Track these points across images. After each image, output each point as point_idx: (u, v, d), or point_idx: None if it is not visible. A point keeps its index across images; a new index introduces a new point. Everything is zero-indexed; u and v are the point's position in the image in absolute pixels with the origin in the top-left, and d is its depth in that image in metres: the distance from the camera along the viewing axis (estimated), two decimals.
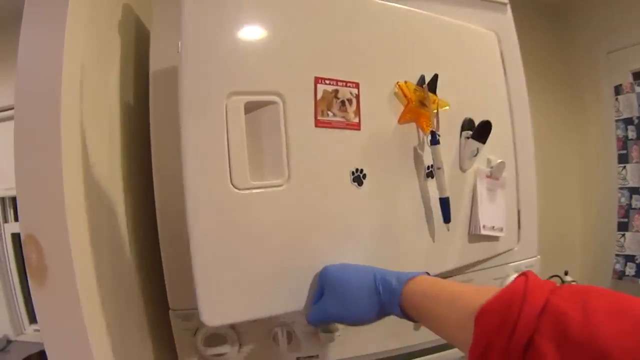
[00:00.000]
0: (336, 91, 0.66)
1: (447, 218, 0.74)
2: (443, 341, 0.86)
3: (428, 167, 0.74)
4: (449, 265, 0.78)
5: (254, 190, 0.60)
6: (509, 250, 0.89)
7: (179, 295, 0.75)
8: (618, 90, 1.76)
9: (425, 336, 0.81)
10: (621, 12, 1.72)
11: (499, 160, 0.83)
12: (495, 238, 0.85)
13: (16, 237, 1.80)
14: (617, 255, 1.73)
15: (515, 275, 0.88)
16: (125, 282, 0.79)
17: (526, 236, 0.92)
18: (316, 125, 0.64)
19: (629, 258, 1.70)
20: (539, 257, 0.94)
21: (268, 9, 0.62)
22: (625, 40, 1.73)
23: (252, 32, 0.61)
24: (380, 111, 0.70)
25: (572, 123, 1.71)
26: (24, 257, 0.63)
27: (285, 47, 0.63)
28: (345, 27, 0.68)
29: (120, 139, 0.82)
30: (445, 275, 0.79)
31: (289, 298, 0.63)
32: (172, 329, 0.76)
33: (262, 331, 0.76)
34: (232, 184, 0.59)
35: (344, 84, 0.66)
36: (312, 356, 0.78)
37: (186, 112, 0.57)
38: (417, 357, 0.88)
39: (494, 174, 0.84)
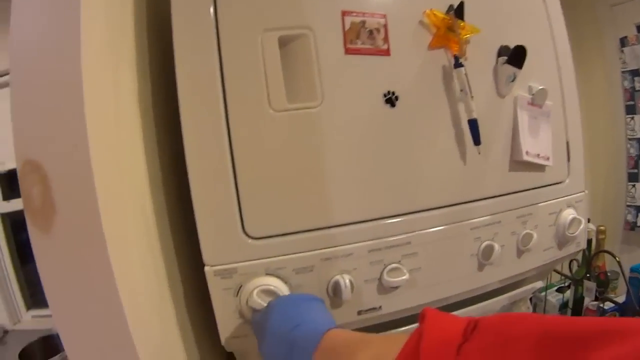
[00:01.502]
0: (363, 22, 0.69)
1: (476, 140, 0.73)
2: (510, 281, 0.83)
3: (460, 91, 0.74)
4: (489, 191, 0.77)
5: (290, 112, 0.65)
6: (559, 183, 0.85)
7: (215, 249, 0.64)
8: (623, 42, 1.71)
9: (490, 277, 0.78)
10: None
11: (540, 87, 0.81)
12: (542, 168, 0.82)
13: (7, 218, 1.65)
14: (628, 206, 1.69)
15: (569, 210, 0.85)
16: (155, 232, 0.68)
17: (575, 169, 0.87)
18: (346, 53, 0.68)
19: None
20: (586, 192, 0.88)
21: None
22: None
23: None
24: (410, 39, 0.72)
25: (577, 76, 1.68)
26: (22, 195, 0.48)
27: None
28: None
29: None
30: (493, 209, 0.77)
31: (318, 214, 0.66)
32: (209, 290, 0.64)
33: (317, 284, 0.67)
34: (270, 107, 0.64)
35: (371, 15, 0.69)
36: (375, 308, 0.70)
37: (227, 50, 0.63)
38: (486, 299, 0.84)
39: (536, 101, 0.81)
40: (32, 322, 1.61)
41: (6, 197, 1.66)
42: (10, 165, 1.58)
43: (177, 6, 0.63)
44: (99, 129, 0.51)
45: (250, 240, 0.64)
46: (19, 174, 0.47)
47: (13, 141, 0.46)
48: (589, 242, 1.25)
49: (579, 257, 1.22)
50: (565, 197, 0.85)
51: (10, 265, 1.64)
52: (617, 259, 1.06)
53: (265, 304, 0.62)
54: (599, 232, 1.21)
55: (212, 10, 0.63)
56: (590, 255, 1.15)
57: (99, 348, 0.54)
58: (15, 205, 1.63)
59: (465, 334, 0.35)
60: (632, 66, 1.70)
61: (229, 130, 0.63)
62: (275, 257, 0.65)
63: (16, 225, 1.66)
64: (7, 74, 1.49)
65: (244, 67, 0.64)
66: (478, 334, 0.35)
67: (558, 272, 1.23)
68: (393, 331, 0.75)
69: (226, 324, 0.66)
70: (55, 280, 0.50)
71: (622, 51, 1.73)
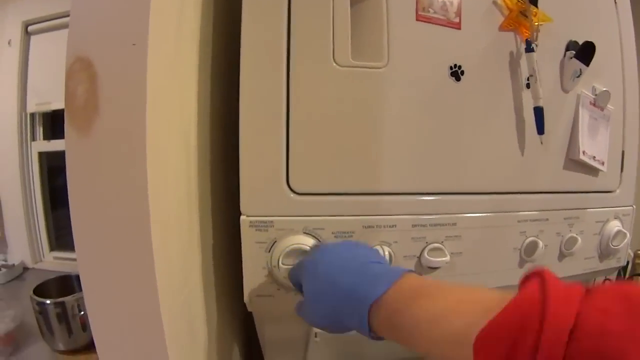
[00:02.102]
0: None
1: (540, 129, 0.70)
2: None
3: (528, 77, 0.71)
4: (540, 185, 0.74)
5: (354, 69, 0.62)
6: (609, 192, 0.82)
7: (255, 198, 0.62)
8: None
9: None
10: None
11: (604, 89, 0.78)
12: (595, 172, 0.79)
13: (43, 156, 1.66)
14: None
15: (615, 222, 0.81)
16: (195, 166, 0.66)
17: (627, 181, 0.84)
18: (417, 19, 0.65)
19: None
20: (634, 207, 0.85)
21: None
22: None
23: None
24: (481, 16, 0.69)
25: None
26: (65, 93, 0.45)
27: None
28: None
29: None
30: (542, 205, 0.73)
31: (367, 179, 0.64)
32: (242, 241, 0.62)
33: None
34: (335, 61, 0.62)
35: None
36: None
37: (297, 2, 0.61)
38: None
39: (598, 102, 0.79)
40: (52, 262, 1.62)
41: (47, 137, 1.67)
42: (55, 105, 1.59)
43: None
44: (159, 40, 0.49)
45: (292, 195, 0.62)
46: (66, 72, 0.44)
47: (68, 36, 0.44)
48: (625, 264, 1.20)
49: (613, 278, 1.17)
50: (613, 208, 0.82)
51: (41, 205, 1.65)
52: None
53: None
54: (636, 256, 1.16)
55: None
56: (625, 277, 1.11)
57: (118, 279, 0.51)
58: (55, 145, 1.64)
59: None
60: None
61: (289, 77, 0.61)
62: (315, 216, 0.62)
63: (53, 169, 1.67)
64: (60, 17, 1.51)
65: (313, 17, 0.62)
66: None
67: None
68: None
69: (253, 280, 0.63)
70: (84, 185, 0.47)
71: None
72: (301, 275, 0.56)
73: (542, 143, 0.71)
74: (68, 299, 0.99)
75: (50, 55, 1.51)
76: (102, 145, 0.46)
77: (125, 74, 0.46)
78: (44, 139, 1.67)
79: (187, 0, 0.62)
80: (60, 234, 1.68)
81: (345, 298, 0.46)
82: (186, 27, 0.62)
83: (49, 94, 1.56)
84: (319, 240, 0.62)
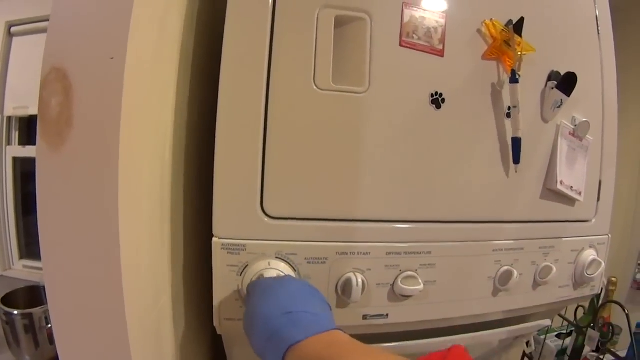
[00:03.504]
0: (423, 18, 0.66)
1: (516, 159, 0.71)
2: (524, 313, 0.80)
3: (509, 107, 0.71)
4: (517, 215, 0.74)
5: (335, 93, 0.62)
6: (585, 222, 0.82)
7: (228, 220, 0.60)
8: None
9: (502, 304, 0.75)
10: None
11: (584, 120, 0.79)
12: (571, 202, 0.79)
13: (17, 162, 1.61)
14: (639, 264, 1.68)
15: (590, 251, 0.82)
16: (169, 186, 0.64)
17: (603, 211, 0.84)
18: (400, 45, 0.65)
19: None
20: (610, 236, 0.85)
21: None
22: None
23: None
24: (465, 44, 0.69)
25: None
26: (39, 103, 0.44)
27: None
28: None
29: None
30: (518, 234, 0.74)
31: (342, 205, 0.63)
32: (213, 263, 0.60)
33: (327, 278, 0.63)
34: (315, 84, 0.61)
35: (432, 13, 0.67)
36: (381, 315, 0.66)
37: (281, 18, 0.60)
38: (486, 329, 0.80)
39: (578, 132, 0.79)
40: (22, 271, 1.57)
41: (23, 143, 1.63)
42: (33, 110, 1.55)
43: None
44: (138, 53, 0.48)
45: (266, 219, 0.60)
46: (41, 81, 0.43)
47: (45, 45, 0.43)
48: (599, 291, 1.21)
49: (586, 304, 1.18)
50: (589, 237, 0.82)
51: (12, 211, 1.60)
52: (626, 311, 1.02)
53: None
54: (609, 282, 1.17)
55: None
56: (599, 304, 1.12)
57: (85, 297, 0.50)
58: (30, 151, 1.60)
59: None
60: None
61: (267, 99, 0.60)
62: (289, 241, 0.61)
63: (26, 175, 1.63)
64: (44, 20, 1.48)
65: (295, 38, 0.61)
66: None
67: (562, 317, 1.20)
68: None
69: (223, 303, 0.62)
70: (53, 201, 0.46)
71: None
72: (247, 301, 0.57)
73: (516, 172, 0.71)
74: (36, 311, 0.97)
75: (32, 59, 1.47)
76: (73, 161, 0.46)
77: (101, 88, 0.45)
78: (20, 144, 1.62)
79: (168, 16, 0.61)
80: (31, 242, 1.62)
81: (271, 337, 0.48)
82: (167, 43, 0.61)
83: (27, 98, 1.51)
84: (292, 266, 0.61)
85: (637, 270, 1.69)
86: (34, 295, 1.09)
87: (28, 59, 1.51)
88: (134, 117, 0.49)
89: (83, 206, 0.47)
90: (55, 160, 0.46)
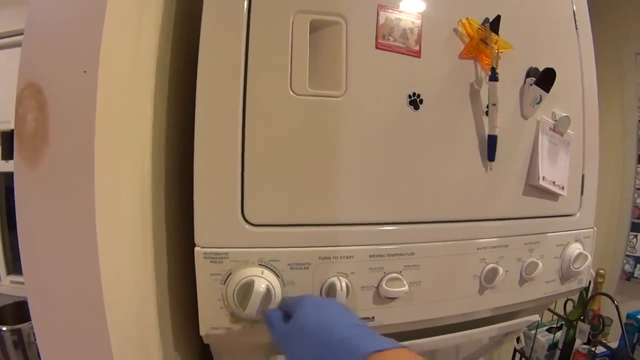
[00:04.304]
0: (399, 19, 0.67)
1: (490, 156, 0.71)
2: (512, 309, 0.80)
3: (487, 105, 0.72)
4: (500, 212, 0.74)
5: (311, 98, 0.62)
6: (569, 216, 0.83)
7: (209, 229, 0.60)
8: None
9: (489, 302, 0.75)
10: None
11: (564, 114, 0.79)
12: (554, 197, 0.80)
13: (1, 176, 1.60)
14: (627, 255, 1.69)
15: (576, 245, 0.82)
16: (149, 197, 0.64)
17: (587, 204, 0.84)
18: (376, 47, 0.65)
19: (639, 260, 1.66)
20: (595, 229, 0.86)
21: None
22: None
23: None
24: (441, 44, 0.69)
25: None
26: (15, 119, 0.44)
27: None
28: None
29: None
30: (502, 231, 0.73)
31: (323, 209, 0.63)
32: (196, 273, 0.60)
33: (311, 282, 0.62)
34: (292, 90, 0.61)
35: (407, 14, 0.67)
36: (367, 318, 0.66)
37: (256, 24, 0.60)
38: (476, 327, 0.80)
39: (558, 127, 0.79)
40: (9, 287, 1.56)
41: (5, 157, 1.61)
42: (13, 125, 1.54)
43: None
44: (113, 66, 0.48)
45: (247, 226, 0.60)
46: (16, 97, 0.43)
47: (19, 61, 0.43)
48: (587, 284, 1.22)
49: (575, 298, 1.19)
50: (574, 231, 0.83)
51: None
52: (615, 303, 1.03)
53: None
54: (598, 275, 1.18)
55: None
56: (588, 297, 1.12)
57: (67, 312, 0.50)
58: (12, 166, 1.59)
59: None
60: None
61: (245, 106, 0.60)
62: (271, 248, 0.61)
63: (10, 189, 1.62)
64: (13, 35, 1.47)
65: (271, 44, 0.61)
66: None
67: (552, 312, 1.20)
68: None
69: (209, 313, 0.61)
70: (31, 218, 0.46)
71: None
72: (277, 318, 0.56)
73: (491, 169, 0.71)
74: (25, 326, 0.96)
75: (12, 73, 1.46)
76: (49, 176, 0.46)
77: (75, 102, 0.45)
78: (2, 158, 1.60)
79: (144, 28, 0.60)
80: (18, 257, 1.62)
81: (342, 343, 0.47)
82: (143, 54, 0.61)
83: (8, 113, 1.51)
84: (275, 273, 0.61)
85: (625, 261, 1.70)
86: (22, 310, 1.09)
87: (8, 73, 1.50)
88: (109, 130, 0.49)
89: (61, 221, 0.47)
90: (33, 176, 0.46)
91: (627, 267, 1.68)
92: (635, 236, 1.69)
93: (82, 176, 0.46)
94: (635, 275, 1.65)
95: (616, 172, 1.82)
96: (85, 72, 0.44)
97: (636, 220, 1.71)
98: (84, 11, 0.45)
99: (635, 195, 1.74)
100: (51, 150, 0.45)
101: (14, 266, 1.62)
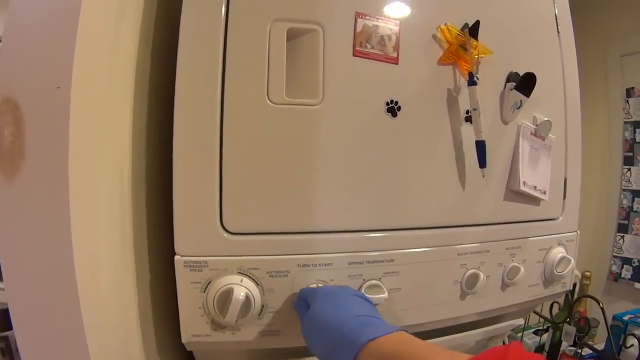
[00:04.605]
0: (377, 27, 0.67)
1: (482, 162, 0.71)
2: (490, 315, 0.80)
3: (467, 111, 0.72)
4: (481, 218, 0.74)
5: (289, 107, 0.62)
6: (552, 220, 0.83)
7: (189, 238, 0.60)
8: (629, 93, 1.74)
9: (471, 307, 0.76)
10: (636, 15, 1.71)
11: (545, 119, 0.79)
12: (536, 201, 0.80)
13: None
14: (614, 257, 1.71)
15: (559, 249, 0.82)
16: (130, 205, 0.64)
17: (570, 208, 0.85)
18: (354, 55, 0.65)
19: (627, 261, 1.66)
20: (578, 232, 0.86)
21: None
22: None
23: None
24: (420, 51, 0.70)
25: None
26: None
27: None
28: None
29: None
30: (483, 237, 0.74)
31: (302, 218, 0.63)
32: (177, 281, 0.60)
33: (291, 290, 0.63)
34: (269, 99, 0.62)
35: (385, 21, 0.67)
36: None
37: (233, 33, 0.61)
38: (460, 332, 0.80)
39: (539, 132, 0.79)
40: None
41: None
42: None
43: None
44: (87, 80, 0.49)
45: (226, 235, 0.60)
46: None
47: None
48: (573, 287, 1.23)
49: (561, 300, 1.19)
50: (557, 235, 0.83)
51: None
52: (601, 305, 1.04)
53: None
54: (584, 277, 1.19)
55: None
56: (574, 300, 1.13)
57: (47, 321, 0.51)
58: None
59: None
60: (636, 118, 1.72)
61: (222, 115, 0.60)
62: (250, 256, 0.61)
63: None
64: None
65: (248, 53, 0.61)
66: None
67: (538, 314, 1.21)
68: None
69: (190, 320, 0.62)
70: (11, 232, 0.47)
71: (628, 102, 1.75)
72: (304, 309, 0.60)
73: (484, 176, 0.71)
74: (12, 334, 0.96)
75: None
76: (26, 190, 0.47)
77: (50, 118, 0.46)
78: None
79: (121, 40, 0.60)
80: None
81: (343, 337, 0.51)
82: (121, 60, 0.61)
83: None
84: (254, 281, 0.61)
85: (612, 262, 1.71)
86: (7, 318, 1.08)
87: None
88: (85, 142, 0.50)
89: (38, 232, 0.48)
90: (11, 189, 0.47)
91: (615, 268, 1.69)
92: (622, 237, 1.70)
93: (57, 189, 0.47)
94: (622, 276, 1.66)
95: (602, 173, 1.84)
96: (58, 88, 0.44)
97: (623, 222, 1.72)
98: (56, 26, 0.46)
99: (622, 196, 1.75)
100: (28, 164, 0.46)
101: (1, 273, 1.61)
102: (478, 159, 0.71)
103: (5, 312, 1.13)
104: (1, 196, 0.47)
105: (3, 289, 1.33)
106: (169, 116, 0.60)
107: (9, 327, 0.99)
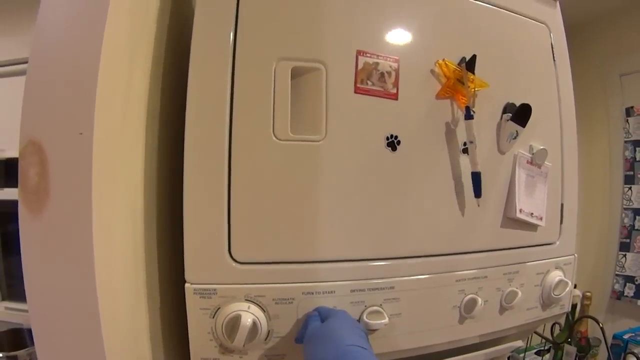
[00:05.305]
0: (377, 64, 0.70)
1: (477, 192, 0.74)
2: (490, 337, 0.82)
3: (464, 143, 0.75)
4: (478, 245, 0.77)
5: (293, 142, 0.65)
6: (549, 244, 0.86)
7: (199, 267, 0.63)
8: (629, 112, 1.77)
9: (470, 331, 0.78)
10: (636, 35, 1.74)
11: (541, 147, 0.82)
12: (533, 227, 0.83)
13: None
14: (617, 275, 1.71)
15: (556, 272, 0.85)
16: (142, 239, 0.67)
17: (567, 232, 0.87)
18: (355, 92, 0.69)
19: (629, 279, 1.67)
20: (576, 255, 0.89)
21: None
22: (638, 63, 1.75)
23: (303, 6, 0.68)
24: (418, 85, 0.73)
25: (580, 141, 1.71)
26: (19, 173, 0.49)
27: (332, 21, 0.69)
28: (392, 8, 0.73)
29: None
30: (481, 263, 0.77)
31: (306, 248, 0.66)
32: (187, 307, 0.63)
33: (295, 316, 0.65)
34: (274, 135, 0.65)
35: (385, 58, 0.71)
36: None
37: (240, 72, 0.64)
38: (462, 354, 0.82)
39: (535, 160, 0.82)
40: (4, 313, 1.57)
41: (1, 185, 1.63)
42: (10, 153, 1.55)
43: (198, 24, 0.64)
44: (106, 125, 0.53)
45: (234, 264, 0.64)
46: (19, 152, 0.48)
47: (20, 118, 0.47)
48: (574, 307, 1.24)
49: (562, 321, 1.21)
50: (554, 259, 0.86)
51: None
52: (600, 324, 1.05)
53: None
54: (584, 297, 1.20)
55: (232, 31, 0.64)
56: (574, 320, 1.15)
57: (68, 344, 0.53)
58: (8, 194, 1.60)
59: None
60: (636, 136, 1.74)
61: (230, 151, 0.63)
62: (256, 284, 0.64)
63: (6, 215, 1.63)
64: (14, 63, 1.50)
65: (255, 91, 0.65)
66: None
67: (539, 335, 1.22)
68: None
69: (199, 344, 0.65)
70: (36, 263, 0.50)
71: (627, 121, 1.77)
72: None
73: (479, 205, 0.74)
74: (21, 353, 0.99)
75: (5, 102, 1.46)
76: (51, 227, 0.50)
77: (73, 161, 0.49)
78: None
79: (134, 76, 0.64)
80: (13, 284, 1.61)
81: None
82: (133, 101, 0.64)
83: (3, 141, 1.51)
84: (260, 307, 0.64)
85: (615, 281, 1.72)
86: (17, 337, 1.11)
87: (2, 102, 1.50)
88: (104, 183, 0.53)
89: (62, 265, 0.51)
90: (36, 225, 0.50)
91: (617, 287, 1.70)
92: (624, 255, 1.72)
93: (81, 225, 0.50)
94: (625, 294, 1.67)
95: (603, 192, 1.85)
96: (81, 134, 0.48)
97: (624, 240, 1.74)
98: (78, 76, 0.49)
99: (623, 215, 1.77)
100: (52, 202, 0.49)
101: (9, 292, 1.63)
102: (473, 189, 0.74)
103: (13, 332, 1.16)
104: (28, 230, 0.50)
105: (12, 309, 1.36)
106: (179, 152, 0.64)
107: (17, 347, 1.01)
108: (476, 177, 0.74)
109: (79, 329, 0.53)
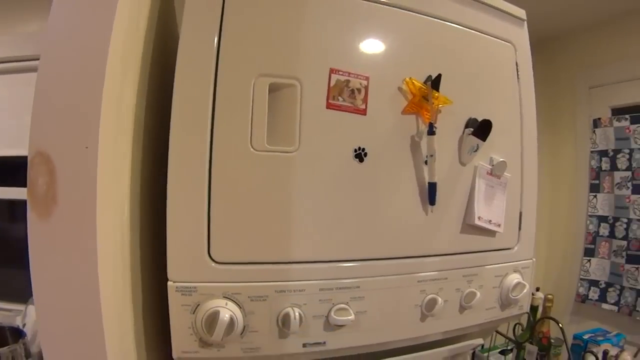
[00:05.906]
0: (348, 81, 0.76)
1: (431, 201, 0.81)
2: (451, 334, 0.89)
3: (427, 155, 0.81)
4: (439, 249, 0.84)
5: (269, 153, 0.71)
6: (507, 249, 0.93)
7: (180, 266, 0.69)
8: (596, 123, 1.85)
9: (431, 328, 0.84)
10: (604, 49, 1.83)
11: (501, 159, 0.89)
12: (492, 233, 0.89)
13: None
14: (581, 279, 1.80)
15: (514, 275, 0.91)
16: (128, 239, 0.72)
17: (525, 238, 0.94)
18: (327, 107, 0.75)
19: (593, 283, 1.75)
20: (534, 259, 0.96)
21: (296, 7, 0.75)
22: (607, 77, 1.84)
23: (281, 26, 0.74)
24: (386, 102, 0.79)
25: (548, 150, 1.80)
26: (28, 180, 0.53)
27: (308, 40, 0.75)
28: (364, 28, 0.79)
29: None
30: (441, 266, 0.83)
31: (280, 250, 0.72)
32: (169, 304, 0.68)
33: (269, 312, 0.71)
34: (252, 146, 0.71)
35: (356, 76, 0.77)
36: (319, 342, 0.75)
37: (222, 86, 0.70)
38: (427, 349, 0.89)
39: (495, 171, 0.89)
40: None
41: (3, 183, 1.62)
42: (4, 152, 1.56)
43: (184, 44, 0.69)
44: (107, 138, 0.58)
45: (213, 264, 0.69)
46: (29, 162, 0.52)
47: (30, 130, 0.52)
48: (536, 308, 1.32)
49: (524, 321, 1.28)
50: (512, 263, 0.92)
51: None
52: (560, 325, 1.12)
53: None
54: (546, 299, 1.28)
55: (215, 50, 0.69)
56: (535, 321, 1.22)
57: (72, 339, 0.58)
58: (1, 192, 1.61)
59: None
60: (602, 147, 1.82)
61: (211, 160, 0.69)
62: (233, 282, 0.70)
63: None
64: (15, 60, 1.53)
65: (235, 105, 0.70)
66: None
67: (501, 334, 1.29)
68: None
69: (180, 339, 0.70)
70: (43, 265, 0.55)
71: (594, 132, 1.85)
72: None
73: (431, 212, 0.81)
74: (3, 351, 1.00)
75: (3, 99, 1.47)
76: (58, 231, 0.54)
77: (79, 172, 0.54)
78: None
79: (125, 94, 0.69)
80: None
81: None
82: (124, 114, 0.70)
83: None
84: (237, 304, 0.70)
85: (579, 284, 1.80)
86: (1, 335, 1.11)
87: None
88: (105, 191, 0.58)
89: (68, 266, 0.56)
90: (44, 229, 0.55)
91: (582, 290, 1.78)
92: (589, 260, 1.79)
93: (87, 229, 0.55)
94: (589, 297, 1.75)
95: (570, 200, 1.93)
96: (87, 147, 0.53)
97: (589, 246, 1.82)
98: (83, 93, 0.54)
99: (588, 222, 1.85)
100: (60, 209, 0.54)
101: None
102: (428, 198, 0.80)
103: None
104: (36, 233, 0.55)
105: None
106: (163, 160, 0.69)
107: (0, 345, 1.03)
108: (432, 187, 0.80)
109: (82, 325, 0.58)
